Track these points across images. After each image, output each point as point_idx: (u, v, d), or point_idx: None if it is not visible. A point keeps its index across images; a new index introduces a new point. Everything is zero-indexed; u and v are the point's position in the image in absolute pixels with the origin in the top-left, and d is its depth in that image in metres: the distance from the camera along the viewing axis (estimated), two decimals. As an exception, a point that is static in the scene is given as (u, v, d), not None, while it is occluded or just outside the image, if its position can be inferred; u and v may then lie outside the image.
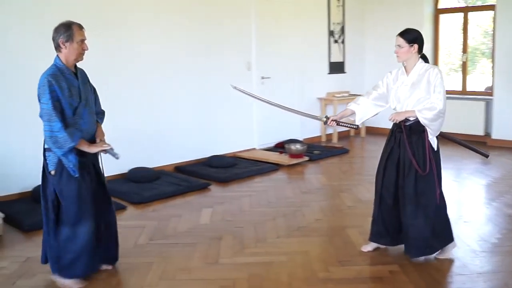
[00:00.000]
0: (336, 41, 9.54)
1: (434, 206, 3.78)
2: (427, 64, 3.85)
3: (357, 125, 4.12)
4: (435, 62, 9.60)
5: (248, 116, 8.01)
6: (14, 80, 5.39)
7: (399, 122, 3.77)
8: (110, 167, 6.14)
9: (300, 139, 8.64)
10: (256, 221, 4.82)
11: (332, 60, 9.51)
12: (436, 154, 3.82)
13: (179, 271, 3.71)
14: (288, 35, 8.49)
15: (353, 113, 4.05)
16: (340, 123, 4.11)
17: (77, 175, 3.42)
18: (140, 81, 6.50)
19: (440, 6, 9.47)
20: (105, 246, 3.66)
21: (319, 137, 9.32)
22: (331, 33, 9.41)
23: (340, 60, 9.68)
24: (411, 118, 3.73)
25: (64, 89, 3.35)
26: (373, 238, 4.03)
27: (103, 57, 6.06)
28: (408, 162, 3.75)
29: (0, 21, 5.29)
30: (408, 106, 3.77)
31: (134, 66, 6.40)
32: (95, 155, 3.66)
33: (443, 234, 3.85)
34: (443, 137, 3.95)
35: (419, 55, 3.84)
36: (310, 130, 9.12)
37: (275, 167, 6.99)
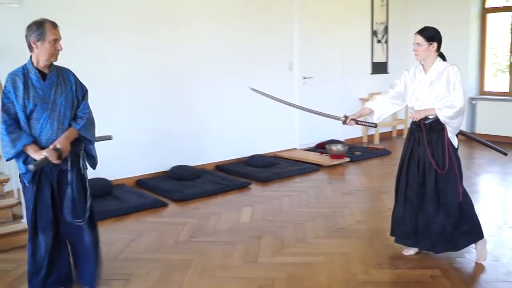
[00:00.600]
0: (379, 41, 9.43)
1: (456, 204, 3.75)
2: (445, 62, 3.82)
3: (375, 124, 4.12)
4: (482, 63, 9.38)
5: (290, 116, 8.01)
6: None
7: (419, 120, 3.75)
8: (153, 164, 6.30)
9: (341, 139, 8.58)
10: (295, 221, 4.82)
11: (375, 60, 9.40)
12: (455, 152, 3.80)
13: (219, 269, 3.75)
14: (330, 35, 8.45)
15: (371, 112, 4.05)
16: (359, 122, 4.09)
17: (28, 184, 3.13)
18: (183, 81, 6.58)
19: (487, 5, 9.23)
20: (81, 267, 3.37)
21: (361, 137, 9.23)
22: (374, 33, 9.31)
23: (383, 60, 9.57)
24: (431, 116, 3.71)
25: (19, 90, 3.08)
26: (399, 240, 3.99)
27: (146, 58, 6.17)
28: (428, 161, 3.74)
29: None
30: (427, 104, 3.75)
31: (176, 66, 6.48)
32: (73, 165, 3.28)
33: (471, 232, 3.81)
34: (462, 135, 3.91)
35: (437, 53, 3.81)
36: (351, 130, 9.03)
37: (316, 167, 6.96)
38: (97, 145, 5.77)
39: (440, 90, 3.71)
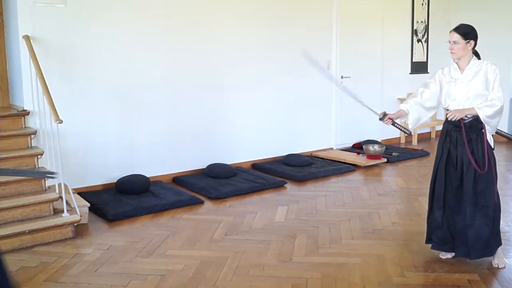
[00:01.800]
0: (419, 40, 9.29)
1: (493, 206, 3.68)
2: (481, 60, 3.73)
3: (410, 132, 4.06)
4: None
5: (327, 116, 7.97)
6: (99, 77, 5.66)
7: (458, 120, 3.66)
8: (189, 162, 6.38)
9: (379, 140, 8.49)
10: (330, 221, 4.80)
11: (415, 60, 9.26)
12: (492, 152, 3.71)
13: (253, 267, 3.76)
14: (370, 34, 8.36)
15: (407, 115, 3.98)
16: (396, 125, 4.03)
17: None
18: (220, 81, 6.62)
19: (533, 4, 8.97)
20: None
21: (398, 138, 9.11)
22: (414, 32, 9.17)
23: (423, 60, 9.42)
24: (469, 116, 3.64)
25: None
26: (436, 246, 3.89)
27: (183, 57, 6.24)
28: (467, 161, 3.66)
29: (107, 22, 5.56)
30: (465, 104, 3.67)
31: (213, 66, 6.52)
32: None
33: (498, 235, 3.76)
34: (497, 134, 3.81)
35: (473, 52, 3.73)
36: (389, 131, 8.91)
37: (352, 167, 6.91)
38: (134, 142, 5.92)
39: (478, 89, 3.64)
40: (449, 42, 3.72)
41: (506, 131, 9.00)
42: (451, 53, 3.74)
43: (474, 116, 3.62)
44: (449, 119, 3.72)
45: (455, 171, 3.74)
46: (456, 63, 3.77)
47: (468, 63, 3.71)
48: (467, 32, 3.67)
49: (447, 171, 3.78)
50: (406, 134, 4.05)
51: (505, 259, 3.81)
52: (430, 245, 3.94)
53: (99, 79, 5.62)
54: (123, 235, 4.44)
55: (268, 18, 7.02)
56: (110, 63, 5.69)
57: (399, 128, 4.13)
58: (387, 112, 4.05)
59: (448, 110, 3.75)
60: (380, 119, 4.03)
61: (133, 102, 5.90)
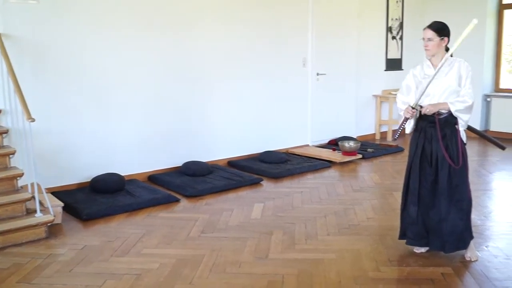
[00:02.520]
0: (394, 38, 9.38)
1: (467, 200, 3.76)
2: (453, 57, 3.78)
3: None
4: (497, 60, 9.29)
5: (303, 113, 8.00)
6: (74, 74, 5.58)
7: (433, 115, 3.70)
8: (165, 160, 6.34)
9: (354, 136, 8.56)
10: (306, 217, 4.82)
11: (389, 57, 9.35)
12: (465, 148, 3.78)
13: (229, 265, 3.76)
14: (345, 31, 8.41)
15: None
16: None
17: None
18: (196, 78, 6.59)
19: (504, 1, 9.12)
20: None
21: (373, 134, 9.20)
22: (389, 29, 9.25)
23: (398, 57, 9.51)
24: (444, 111, 3.69)
25: None
26: (412, 242, 3.93)
27: (159, 55, 6.20)
28: (441, 156, 3.71)
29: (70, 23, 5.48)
30: (439, 99, 3.71)
31: (189, 64, 6.50)
32: None
33: (471, 229, 3.83)
34: (469, 129, 3.90)
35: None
36: (364, 127, 9.02)
37: (328, 164, 6.95)
38: (109, 141, 5.87)
39: (452, 85, 3.69)
40: (423, 39, 3.75)
41: (478, 127, 9.16)
42: (426, 50, 3.76)
43: (449, 111, 3.67)
44: (423, 113, 3.73)
45: (429, 166, 3.78)
46: (429, 60, 3.81)
47: (441, 59, 3.74)
48: (441, 29, 3.71)
49: (422, 166, 3.81)
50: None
51: (477, 252, 3.88)
52: (405, 241, 3.97)
53: (73, 77, 5.55)
54: (97, 235, 4.40)
55: (244, 16, 7.01)
56: (84, 61, 5.62)
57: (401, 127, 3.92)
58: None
59: (421, 106, 3.76)
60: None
61: (107, 100, 5.84)
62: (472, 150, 8.01)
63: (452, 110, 3.64)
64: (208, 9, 6.61)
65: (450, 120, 3.71)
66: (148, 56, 6.10)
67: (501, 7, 9.15)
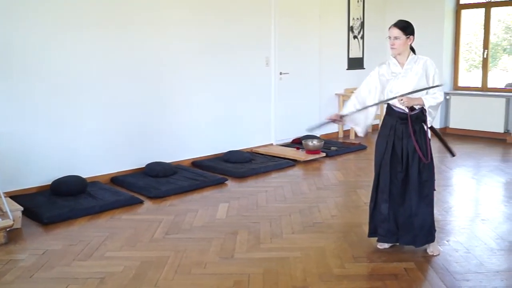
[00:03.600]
0: (355, 37, 9.49)
1: (433, 194, 3.87)
2: (418, 55, 3.86)
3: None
4: (456, 58, 9.51)
5: (267, 111, 8.01)
6: (33, 74, 5.45)
7: (404, 111, 3.75)
8: (128, 161, 6.25)
9: (317, 135, 8.61)
10: (272, 216, 4.83)
11: (351, 56, 9.46)
12: (430, 144, 3.89)
13: (195, 266, 3.73)
14: (307, 31, 8.46)
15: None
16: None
17: None
18: (159, 78, 6.53)
19: (462, 1, 9.36)
20: None
21: (336, 133, 9.29)
22: (350, 29, 9.36)
23: (359, 56, 9.63)
24: (417, 107, 3.75)
25: None
26: (383, 239, 3.96)
27: (121, 54, 6.11)
28: (412, 152, 3.77)
29: (28, 19, 5.35)
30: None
31: (152, 63, 6.43)
32: None
33: (434, 223, 3.94)
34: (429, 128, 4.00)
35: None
36: (327, 126, 9.07)
37: (292, 162, 6.98)
38: (70, 142, 5.75)
39: (420, 83, 3.75)
40: (390, 37, 3.78)
41: (438, 125, 9.36)
42: (392, 48, 3.79)
43: (419, 108, 3.74)
44: (400, 104, 3.73)
45: (400, 163, 3.82)
46: (395, 58, 3.84)
47: (407, 57, 3.80)
48: (407, 27, 3.76)
49: (392, 164, 3.85)
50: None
51: (439, 246, 3.96)
52: (377, 238, 4.01)
53: (32, 76, 5.41)
54: (59, 239, 4.30)
55: (206, 14, 6.97)
56: (43, 61, 5.50)
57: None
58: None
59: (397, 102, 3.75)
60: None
61: (68, 100, 5.73)
62: (432, 146, 8.16)
63: (426, 106, 3.71)
64: (170, 8, 6.55)
65: (420, 117, 3.78)
66: (109, 56, 6.01)
67: (459, 7, 9.37)
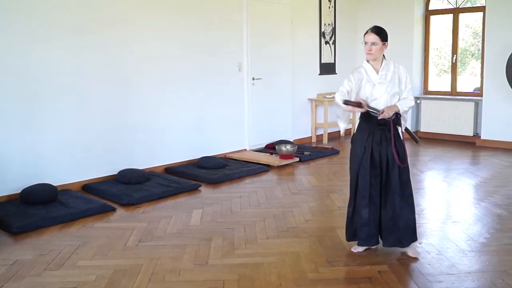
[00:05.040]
0: (327, 42, 9.57)
1: (412, 194, 3.93)
2: (390, 60, 3.92)
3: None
4: (425, 63, 9.67)
5: (240, 117, 8.01)
6: (0, 81, 5.35)
7: (387, 118, 3.78)
8: (100, 168, 6.17)
9: (291, 140, 8.66)
10: (246, 222, 4.82)
11: (323, 61, 9.53)
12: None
13: (169, 273, 3.69)
14: (280, 36, 8.50)
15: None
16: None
17: None
18: (130, 84, 6.47)
19: (430, 7, 9.52)
20: None
21: (310, 137, 9.34)
22: (322, 34, 9.43)
23: (331, 61, 9.71)
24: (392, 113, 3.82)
25: None
26: (364, 242, 3.97)
27: (93, 59, 6.04)
28: (391, 156, 3.82)
29: (-12, 22, 5.25)
30: (386, 103, 3.82)
31: (123, 69, 6.37)
32: None
33: None
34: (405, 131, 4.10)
35: None
36: (300, 131, 9.15)
37: (266, 168, 6.99)
38: (40, 150, 5.65)
39: (395, 88, 3.83)
40: (366, 43, 3.80)
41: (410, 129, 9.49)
42: (369, 54, 3.81)
43: (394, 113, 3.80)
44: (382, 117, 3.75)
45: (378, 168, 3.85)
46: (370, 63, 3.87)
47: (381, 63, 3.85)
48: (384, 33, 3.81)
49: (371, 168, 3.86)
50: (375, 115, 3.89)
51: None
52: (357, 242, 4.01)
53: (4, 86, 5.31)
54: (30, 248, 4.21)
55: (179, 22, 6.95)
56: (10, 66, 5.39)
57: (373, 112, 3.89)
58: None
59: (378, 110, 3.77)
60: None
61: (37, 106, 5.63)
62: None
63: (401, 111, 3.81)
64: (141, 13, 6.51)
65: (396, 121, 3.84)
66: (79, 61, 5.93)
67: (428, 13, 9.54)
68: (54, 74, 5.72)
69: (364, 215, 3.91)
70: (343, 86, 3.90)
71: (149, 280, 3.58)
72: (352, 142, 4.04)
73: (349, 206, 4.03)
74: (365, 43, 3.81)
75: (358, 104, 3.76)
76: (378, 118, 3.79)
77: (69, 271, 3.75)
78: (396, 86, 3.84)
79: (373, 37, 3.77)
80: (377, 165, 3.86)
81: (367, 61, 3.90)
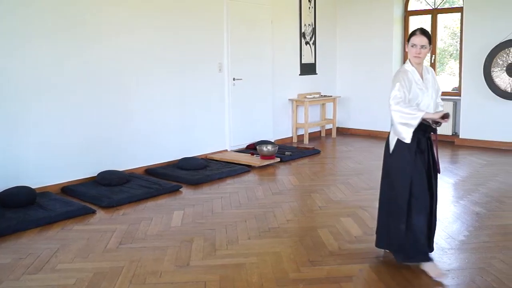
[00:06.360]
0: (307, 43, 9.59)
1: None
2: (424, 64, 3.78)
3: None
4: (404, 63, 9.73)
5: (221, 118, 7.99)
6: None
7: (430, 125, 3.61)
8: (79, 170, 6.11)
9: (272, 140, 8.67)
10: (227, 222, 4.81)
11: (304, 62, 9.56)
12: None
13: (150, 275, 3.67)
14: (260, 36, 8.50)
15: None
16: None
17: None
18: (110, 84, 6.41)
19: (409, 8, 9.61)
20: None
21: (291, 138, 9.35)
22: (302, 35, 9.46)
23: (312, 61, 9.74)
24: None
25: None
26: (426, 254, 3.70)
27: (71, 60, 5.98)
28: (432, 163, 3.69)
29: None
30: (432, 109, 3.68)
31: (103, 69, 6.32)
32: None
33: None
34: None
35: None
36: (281, 131, 9.16)
37: (247, 168, 6.98)
38: (18, 151, 5.57)
39: (436, 93, 3.73)
40: (414, 45, 3.59)
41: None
42: (417, 57, 3.60)
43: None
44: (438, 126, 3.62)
45: (425, 176, 3.66)
46: (414, 67, 3.65)
47: (422, 67, 3.67)
48: (429, 36, 3.63)
49: (422, 179, 3.64)
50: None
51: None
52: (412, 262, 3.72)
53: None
54: (8, 252, 4.15)
55: (158, 21, 6.91)
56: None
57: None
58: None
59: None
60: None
61: (15, 106, 5.55)
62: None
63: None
64: (121, 14, 6.46)
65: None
66: (58, 63, 5.87)
67: (407, 14, 9.62)
68: (32, 75, 5.64)
69: (422, 222, 3.64)
70: (398, 92, 3.56)
71: (130, 283, 3.55)
72: (393, 152, 3.72)
73: (400, 223, 3.66)
74: (413, 45, 3.59)
75: (444, 116, 3.51)
76: (437, 126, 3.61)
77: (48, 275, 3.70)
78: (436, 91, 3.72)
79: (423, 40, 3.55)
80: (426, 173, 3.65)
81: (411, 64, 3.67)
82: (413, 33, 3.64)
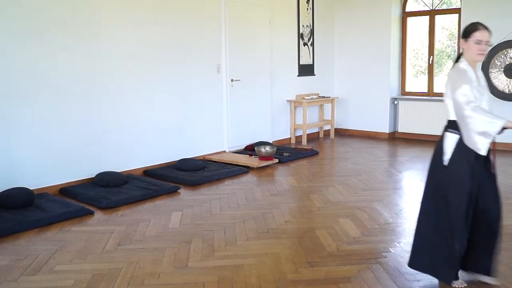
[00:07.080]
0: (305, 44, 9.60)
1: None
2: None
3: None
4: (403, 64, 9.75)
5: (219, 119, 7.99)
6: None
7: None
8: (77, 171, 6.10)
9: (270, 141, 8.67)
10: (225, 224, 4.81)
11: (302, 63, 9.56)
12: None
13: (148, 276, 3.66)
14: (258, 37, 8.50)
15: None
16: None
17: None
18: (108, 85, 6.41)
19: (407, 9, 9.62)
20: None
21: (289, 139, 9.35)
22: (300, 36, 9.46)
23: (310, 62, 9.74)
24: None
25: None
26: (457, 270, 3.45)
27: (68, 60, 5.97)
28: (483, 175, 3.37)
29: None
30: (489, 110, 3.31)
31: (100, 69, 6.31)
32: None
33: None
34: None
35: None
36: (280, 132, 9.16)
37: (245, 169, 6.98)
38: (16, 153, 5.56)
39: (489, 95, 3.39)
40: (479, 41, 3.20)
41: (387, 130, 9.58)
42: (481, 54, 3.24)
43: None
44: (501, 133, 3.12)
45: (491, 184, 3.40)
46: (471, 66, 3.28)
47: (476, 67, 3.32)
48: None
49: (480, 189, 3.36)
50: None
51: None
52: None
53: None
54: (5, 253, 4.14)
55: (156, 21, 6.91)
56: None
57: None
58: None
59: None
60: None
61: (12, 107, 5.54)
62: (383, 150, 8.35)
63: None
64: (119, 13, 6.45)
65: None
66: (55, 62, 5.86)
67: (405, 15, 9.63)
68: (29, 76, 5.63)
69: (465, 235, 3.36)
70: (468, 95, 3.16)
71: (128, 284, 3.54)
72: (450, 163, 3.35)
73: (455, 242, 3.31)
74: (478, 41, 3.19)
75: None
76: (500, 133, 3.13)
77: (47, 276, 3.69)
78: (488, 92, 3.37)
79: (487, 35, 3.18)
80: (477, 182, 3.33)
81: (468, 63, 3.29)
82: (475, 28, 3.22)
